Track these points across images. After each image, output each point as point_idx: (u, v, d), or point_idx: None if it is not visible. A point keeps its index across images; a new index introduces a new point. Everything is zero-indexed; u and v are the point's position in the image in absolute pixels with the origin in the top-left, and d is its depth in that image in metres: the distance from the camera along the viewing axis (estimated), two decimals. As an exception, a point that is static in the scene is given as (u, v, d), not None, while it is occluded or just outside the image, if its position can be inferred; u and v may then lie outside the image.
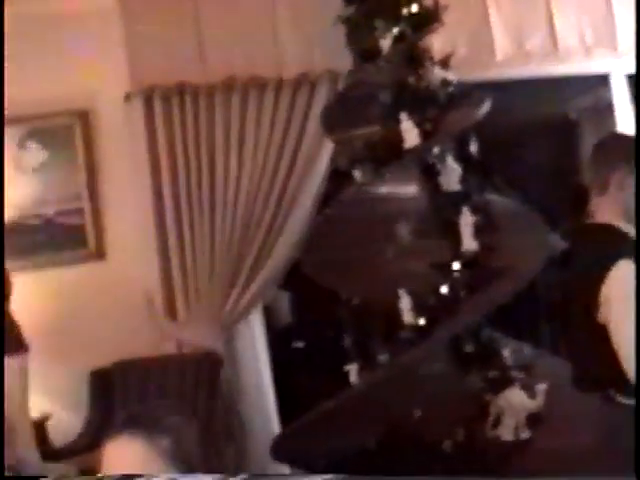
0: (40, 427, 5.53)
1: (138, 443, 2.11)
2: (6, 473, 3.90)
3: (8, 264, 5.76)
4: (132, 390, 5.60)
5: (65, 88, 5.83)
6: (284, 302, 7.28)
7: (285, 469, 5.64)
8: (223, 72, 5.73)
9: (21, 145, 5.95)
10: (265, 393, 6.00)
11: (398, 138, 4.72)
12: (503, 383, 4.65)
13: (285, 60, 5.76)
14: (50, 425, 5.60)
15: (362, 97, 5.02)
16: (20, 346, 4.80)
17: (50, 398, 5.76)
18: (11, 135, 5.93)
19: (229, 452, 5.57)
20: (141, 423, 2.15)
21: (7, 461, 4.00)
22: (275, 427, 5.96)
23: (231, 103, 5.74)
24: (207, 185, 5.72)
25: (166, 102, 5.74)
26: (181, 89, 5.72)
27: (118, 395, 5.64)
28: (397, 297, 4.63)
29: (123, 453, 2.12)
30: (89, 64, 5.77)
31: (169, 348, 5.82)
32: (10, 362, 4.50)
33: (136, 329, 5.75)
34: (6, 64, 5.66)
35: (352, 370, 4.77)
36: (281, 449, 4.82)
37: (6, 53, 5.67)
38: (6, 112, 5.77)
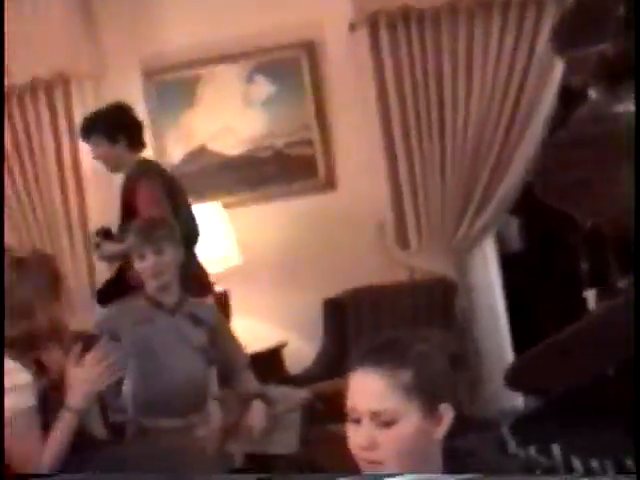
0: (276, 355, 5.67)
1: (380, 375, 2.08)
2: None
3: (240, 196, 5.92)
4: (365, 318, 5.64)
5: (290, 20, 5.87)
6: (514, 227, 7.16)
7: (519, 397, 5.59)
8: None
9: (249, 79, 6.03)
10: (499, 320, 5.93)
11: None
12: None
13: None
14: (286, 353, 5.73)
15: (595, 12, 4.81)
16: (205, 289, 4.91)
17: (285, 327, 5.88)
18: (239, 70, 6.03)
19: (463, 380, 5.54)
20: (385, 354, 2.12)
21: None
22: (509, 354, 5.90)
23: (457, 26, 5.62)
24: (436, 111, 5.65)
25: (391, 29, 5.68)
26: (406, 14, 5.64)
27: (351, 323, 5.69)
28: (636, 220, 4.45)
29: (365, 385, 2.10)
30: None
31: (401, 275, 5.83)
32: None
33: (368, 258, 5.79)
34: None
35: (590, 296, 4.65)
36: (516, 377, 4.74)
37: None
38: (230, 48, 5.88)
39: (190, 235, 4.91)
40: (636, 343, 2.84)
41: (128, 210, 4.95)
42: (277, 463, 3.93)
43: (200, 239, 5.03)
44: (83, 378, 3.32)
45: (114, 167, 5.16)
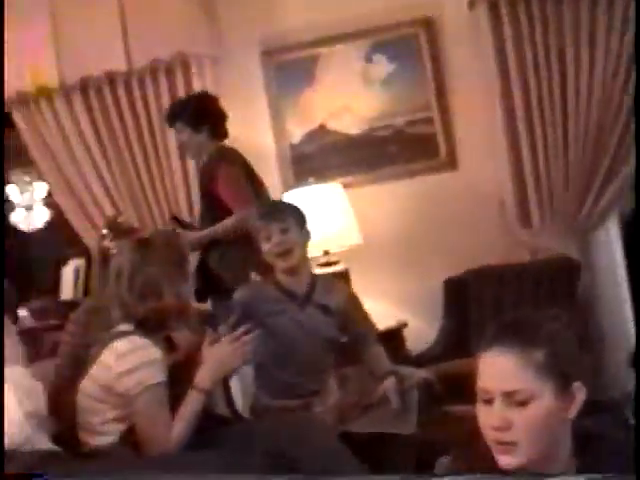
0: (397, 335, 5.64)
1: (512, 355, 2.06)
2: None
3: (360, 175, 5.91)
4: (487, 297, 5.57)
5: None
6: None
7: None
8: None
9: (368, 58, 6.01)
10: (622, 300, 5.82)
11: None
12: None
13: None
14: (406, 333, 5.70)
15: None
16: None
17: (406, 306, 5.86)
18: (358, 49, 6.01)
19: (585, 362, 5.44)
20: (516, 333, 2.10)
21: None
22: (632, 336, 5.77)
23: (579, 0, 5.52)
24: (558, 88, 5.55)
25: (512, 6, 5.59)
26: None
27: (473, 303, 5.63)
28: None
29: (498, 366, 2.08)
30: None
31: (523, 255, 5.76)
32: None
33: (489, 237, 5.72)
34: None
35: None
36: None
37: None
38: (349, 27, 5.86)
39: None
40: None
41: (208, 196, 5.04)
42: (393, 442, 3.88)
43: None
44: (216, 359, 3.36)
45: (194, 154, 5.35)
